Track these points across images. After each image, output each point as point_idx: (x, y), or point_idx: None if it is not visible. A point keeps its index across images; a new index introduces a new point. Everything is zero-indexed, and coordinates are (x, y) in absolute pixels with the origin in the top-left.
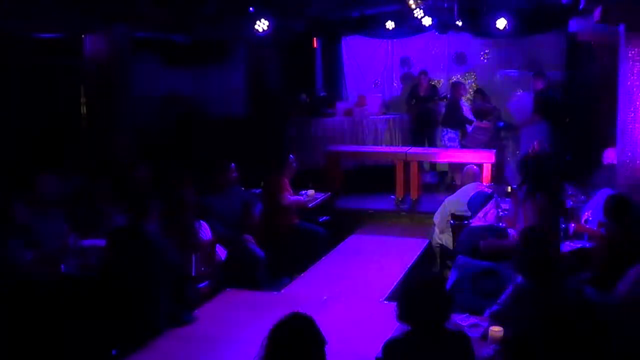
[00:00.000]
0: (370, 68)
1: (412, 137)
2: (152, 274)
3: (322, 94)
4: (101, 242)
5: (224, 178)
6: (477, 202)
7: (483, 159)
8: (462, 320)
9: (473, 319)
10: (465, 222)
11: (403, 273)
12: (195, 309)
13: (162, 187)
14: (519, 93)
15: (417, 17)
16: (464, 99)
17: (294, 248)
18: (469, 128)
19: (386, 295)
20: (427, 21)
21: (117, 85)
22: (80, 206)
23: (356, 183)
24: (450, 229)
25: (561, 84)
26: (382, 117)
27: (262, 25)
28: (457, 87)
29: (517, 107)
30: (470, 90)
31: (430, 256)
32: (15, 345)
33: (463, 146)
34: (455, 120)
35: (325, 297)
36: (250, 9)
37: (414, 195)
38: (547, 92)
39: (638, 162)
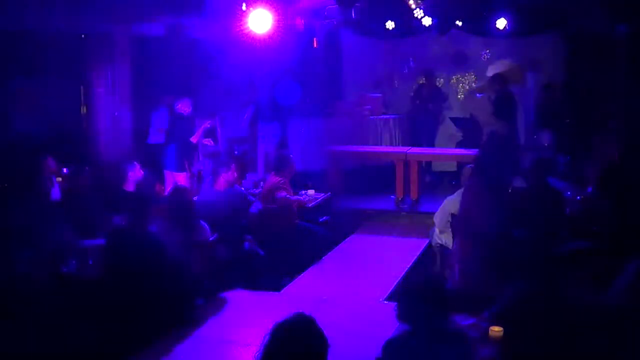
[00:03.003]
0: (370, 68)
1: (412, 137)
2: (152, 274)
3: (321, 94)
4: (101, 242)
5: (224, 178)
6: None
7: None
8: (462, 320)
9: (473, 319)
10: None
11: (403, 273)
12: (196, 309)
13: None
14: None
15: (417, 17)
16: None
17: (294, 248)
18: None
19: (386, 295)
20: (427, 21)
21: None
22: (80, 206)
23: (356, 183)
24: (450, 229)
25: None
26: (382, 117)
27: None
28: None
29: None
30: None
31: (430, 256)
32: (15, 346)
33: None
34: None
35: (325, 297)
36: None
37: (414, 195)
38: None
39: None
